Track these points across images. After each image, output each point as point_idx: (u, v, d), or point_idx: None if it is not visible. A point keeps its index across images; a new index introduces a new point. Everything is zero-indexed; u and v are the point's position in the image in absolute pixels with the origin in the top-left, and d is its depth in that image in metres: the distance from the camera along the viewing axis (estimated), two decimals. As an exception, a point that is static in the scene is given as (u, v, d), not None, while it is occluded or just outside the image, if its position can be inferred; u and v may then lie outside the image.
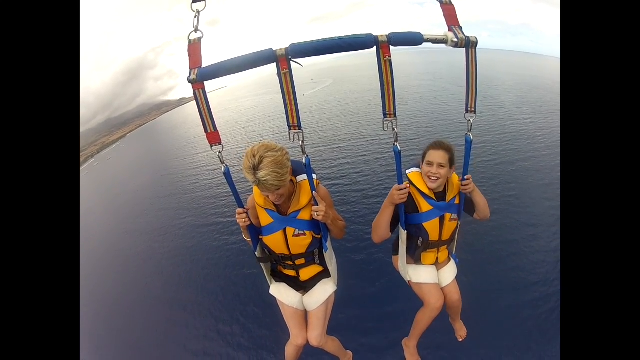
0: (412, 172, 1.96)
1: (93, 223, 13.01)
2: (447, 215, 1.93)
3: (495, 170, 9.91)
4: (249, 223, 1.70)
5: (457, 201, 1.93)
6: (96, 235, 11.70)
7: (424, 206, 1.91)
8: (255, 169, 1.44)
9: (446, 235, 1.99)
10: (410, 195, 1.88)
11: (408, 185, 1.88)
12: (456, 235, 2.08)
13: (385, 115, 1.48)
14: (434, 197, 1.90)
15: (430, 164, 1.85)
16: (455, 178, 1.95)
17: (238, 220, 1.68)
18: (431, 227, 1.93)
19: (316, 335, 1.91)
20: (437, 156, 1.83)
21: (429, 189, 1.89)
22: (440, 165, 1.83)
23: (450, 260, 2.18)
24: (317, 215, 1.63)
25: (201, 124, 1.50)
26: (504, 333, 4.34)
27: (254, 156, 1.45)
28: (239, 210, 1.67)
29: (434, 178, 1.85)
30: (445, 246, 2.07)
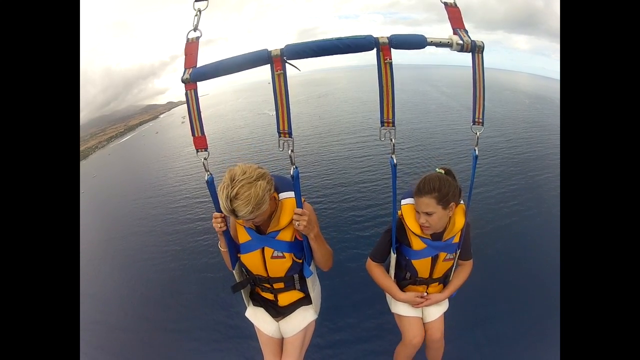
0: (406, 205, 1.76)
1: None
2: (442, 255, 1.76)
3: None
4: (225, 229, 1.61)
5: (456, 240, 1.74)
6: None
7: (416, 244, 1.74)
8: (230, 200, 1.37)
9: (438, 274, 1.84)
10: (403, 227, 1.74)
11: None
12: (451, 273, 1.91)
13: (382, 123, 1.37)
14: (429, 237, 1.74)
15: (418, 212, 1.65)
16: (459, 215, 1.72)
17: (214, 225, 1.60)
18: (421, 265, 1.78)
19: None
20: (422, 204, 1.62)
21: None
22: (427, 214, 1.62)
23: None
24: (299, 224, 1.47)
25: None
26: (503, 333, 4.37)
27: (232, 186, 1.37)
28: (216, 214, 1.57)
29: (425, 227, 1.68)
30: (437, 283, 1.91)
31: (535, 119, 19.27)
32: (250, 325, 1.93)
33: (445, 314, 2.03)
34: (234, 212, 1.38)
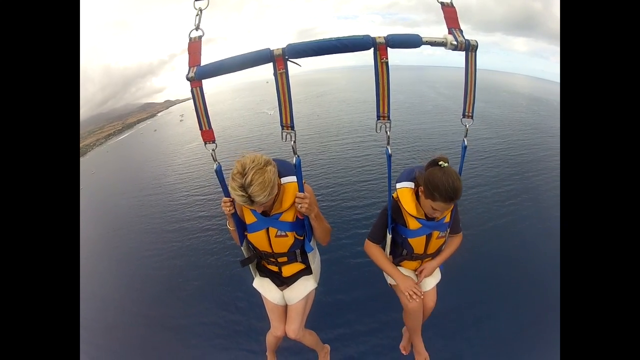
0: (402, 189, 1.83)
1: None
2: (435, 233, 1.88)
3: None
4: (233, 211, 1.72)
5: (447, 220, 1.88)
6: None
7: (412, 224, 1.84)
8: (245, 188, 1.42)
9: (432, 250, 1.96)
10: (398, 208, 1.84)
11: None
12: (443, 248, 2.03)
13: (378, 117, 1.47)
14: (423, 217, 1.83)
15: (436, 210, 1.72)
16: None
17: (223, 208, 1.70)
18: (417, 243, 1.90)
19: (294, 328, 2.00)
20: (449, 206, 1.68)
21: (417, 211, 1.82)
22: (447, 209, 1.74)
23: None
24: (301, 206, 1.59)
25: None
26: (503, 335, 4.39)
27: (244, 176, 1.42)
28: (225, 198, 1.68)
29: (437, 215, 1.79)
30: (431, 258, 2.03)
31: (532, 120, 19.40)
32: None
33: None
34: (250, 198, 1.42)
